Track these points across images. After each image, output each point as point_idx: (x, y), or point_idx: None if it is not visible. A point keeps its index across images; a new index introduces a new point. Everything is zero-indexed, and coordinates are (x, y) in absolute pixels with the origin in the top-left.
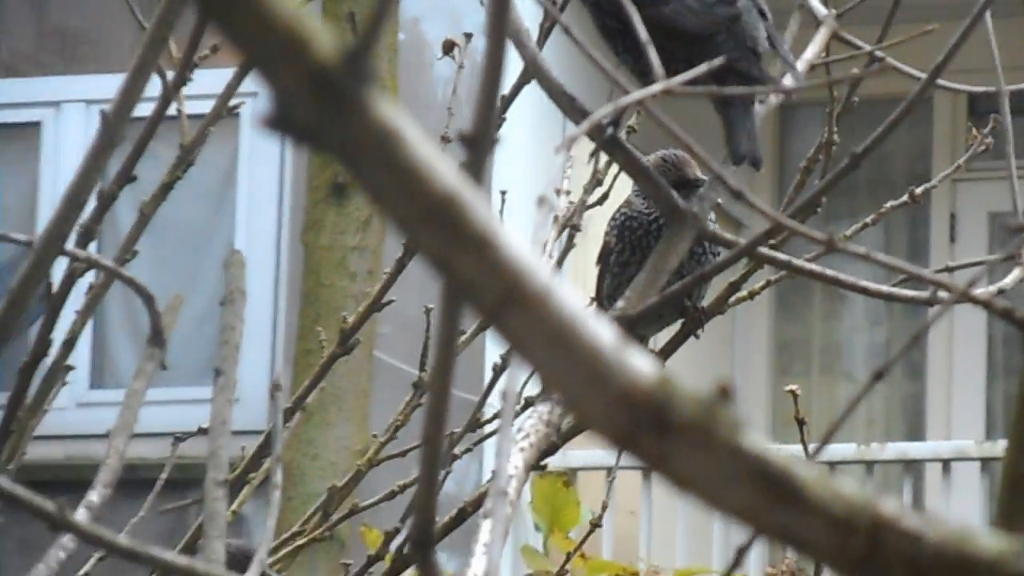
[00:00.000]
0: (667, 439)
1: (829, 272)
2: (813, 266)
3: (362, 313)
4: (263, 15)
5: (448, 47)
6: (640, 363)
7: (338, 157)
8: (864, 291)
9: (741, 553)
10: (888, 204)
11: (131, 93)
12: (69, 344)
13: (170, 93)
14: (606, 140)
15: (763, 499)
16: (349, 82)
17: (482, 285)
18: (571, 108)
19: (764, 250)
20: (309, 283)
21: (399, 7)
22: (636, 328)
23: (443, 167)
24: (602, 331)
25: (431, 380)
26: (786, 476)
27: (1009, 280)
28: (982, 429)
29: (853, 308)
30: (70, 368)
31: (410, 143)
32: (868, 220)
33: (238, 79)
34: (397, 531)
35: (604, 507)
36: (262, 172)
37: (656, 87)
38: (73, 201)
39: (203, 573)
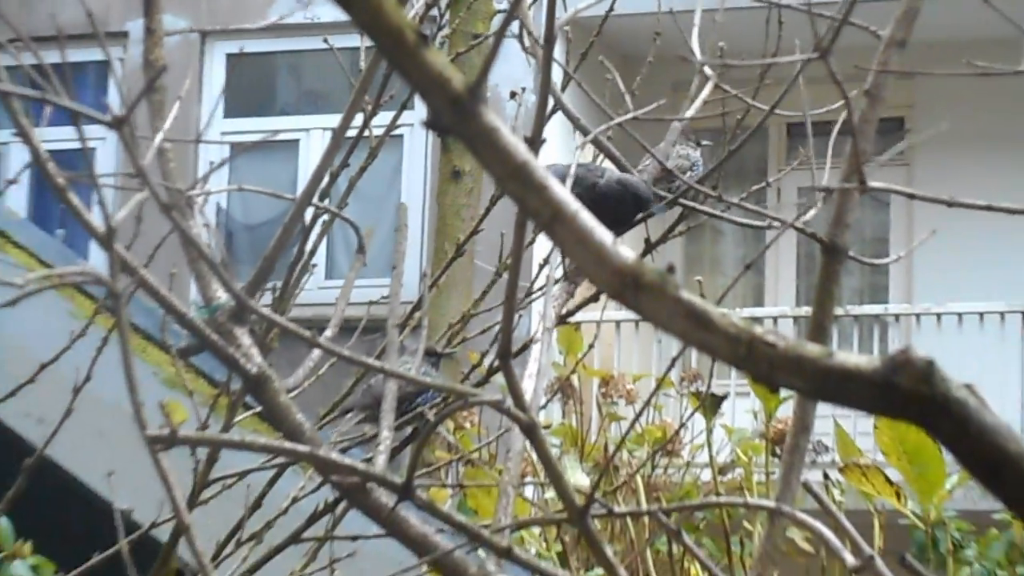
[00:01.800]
0: (640, 294)
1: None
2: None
3: (466, 237)
4: (427, 66)
5: (512, 94)
6: (625, 252)
7: (465, 143)
8: (734, 222)
9: (672, 361)
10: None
11: (346, 122)
12: (311, 253)
13: (367, 121)
14: None
15: (692, 326)
16: (471, 102)
17: (540, 211)
18: (578, 125)
19: None
20: (439, 223)
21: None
22: None
23: (519, 147)
24: (605, 234)
25: (511, 265)
26: (704, 312)
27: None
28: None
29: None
30: (313, 266)
31: (503, 135)
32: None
33: (398, 116)
34: (487, 353)
35: (594, 340)
36: (415, 164)
37: None
38: (316, 177)
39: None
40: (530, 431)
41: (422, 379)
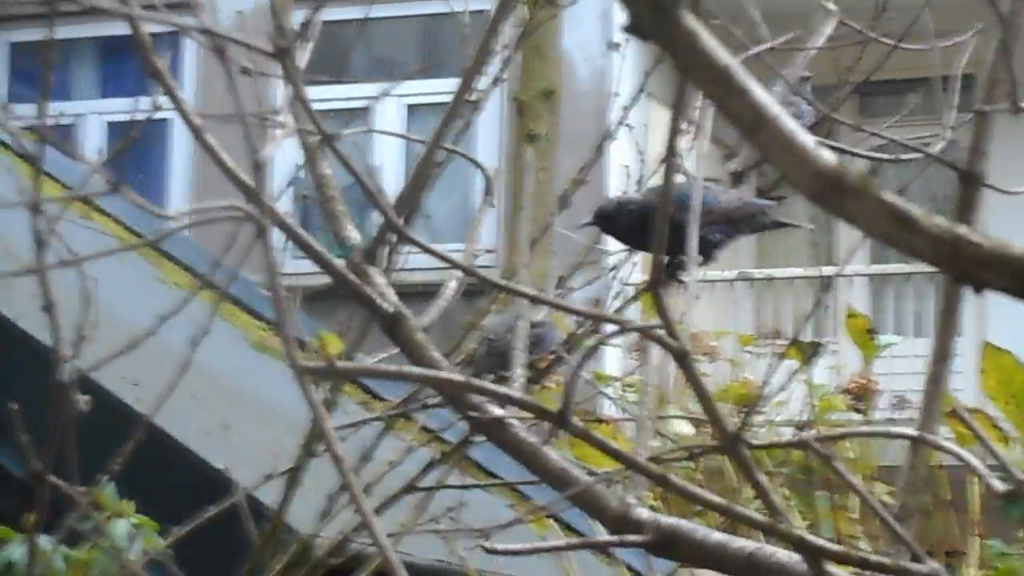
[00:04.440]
0: (843, 196)
1: None
2: None
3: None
4: None
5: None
6: (827, 154)
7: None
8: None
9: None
10: None
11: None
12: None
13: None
14: None
15: (895, 226)
16: (672, 6)
17: (743, 114)
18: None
19: None
20: (515, 186)
21: None
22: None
23: (721, 51)
24: (807, 137)
25: (661, 198)
26: (907, 212)
27: None
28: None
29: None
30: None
31: (704, 38)
32: None
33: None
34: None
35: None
36: (491, 129)
37: None
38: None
39: None
40: (682, 358)
41: (584, 310)
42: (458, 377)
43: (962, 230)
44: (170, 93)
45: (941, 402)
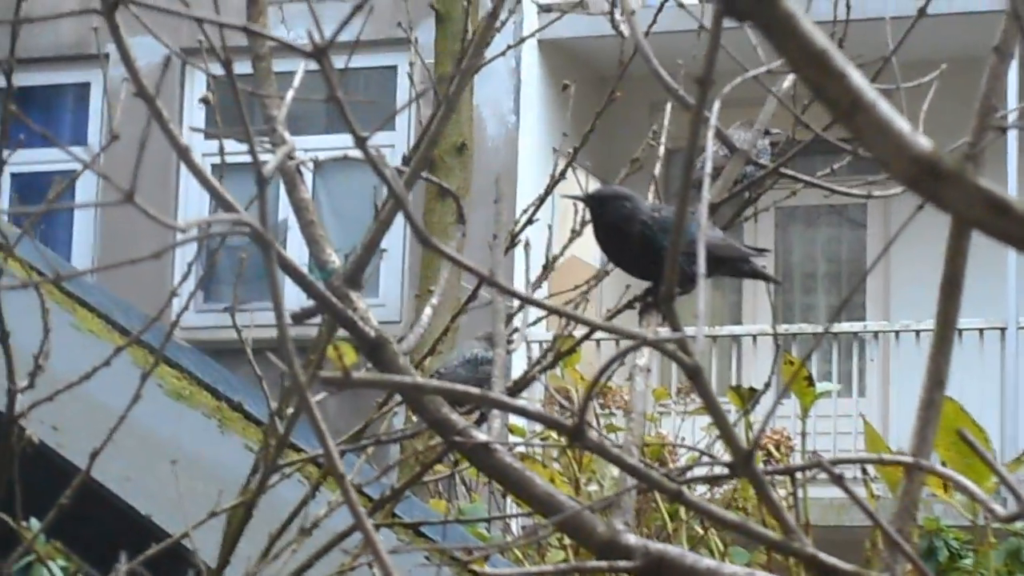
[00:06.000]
0: (939, 182)
1: None
2: None
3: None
4: None
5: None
6: (923, 140)
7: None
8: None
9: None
10: None
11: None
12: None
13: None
14: None
15: (991, 213)
16: None
17: (840, 98)
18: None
19: None
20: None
21: None
22: None
23: (819, 33)
24: (904, 123)
25: (678, 209)
26: (1004, 200)
27: None
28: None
29: None
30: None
31: (801, 21)
32: None
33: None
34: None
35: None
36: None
37: None
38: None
39: None
40: (695, 374)
41: (597, 321)
42: (475, 390)
43: None
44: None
45: (936, 427)
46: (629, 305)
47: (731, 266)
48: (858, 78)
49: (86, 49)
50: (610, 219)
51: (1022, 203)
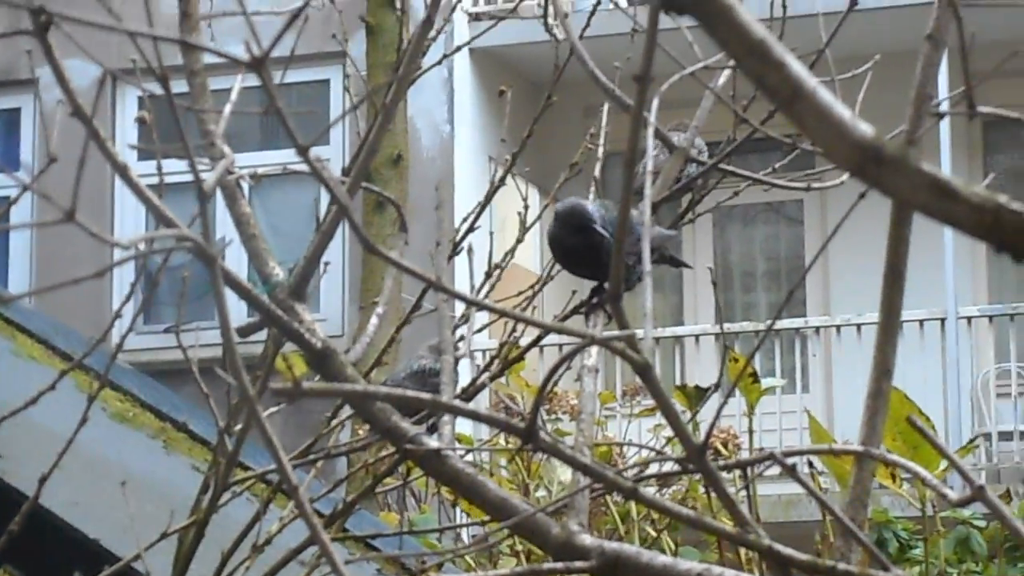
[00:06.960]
0: (882, 168)
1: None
2: None
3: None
4: None
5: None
6: (865, 127)
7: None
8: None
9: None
10: None
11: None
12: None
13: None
14: None
15: (935, 197)
16: None
17: (780, 87)
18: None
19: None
20: (365, 254)
21: None
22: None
23: (757, 24)
24: (845, 111)
25: (620, 210)
26: (947, 183)
27: None
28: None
29: None
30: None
31: (740, 12)
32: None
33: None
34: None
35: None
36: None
37: None
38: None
39: None
40: (644, 371)
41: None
42: (426, 396)
43: (1002, 199)
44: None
45: (884, 416)
46: (575, 311)
47: (656, 254)
48: (798, 67)
49: (16, 74)
50: (580, 240)
51: (966, 186)
